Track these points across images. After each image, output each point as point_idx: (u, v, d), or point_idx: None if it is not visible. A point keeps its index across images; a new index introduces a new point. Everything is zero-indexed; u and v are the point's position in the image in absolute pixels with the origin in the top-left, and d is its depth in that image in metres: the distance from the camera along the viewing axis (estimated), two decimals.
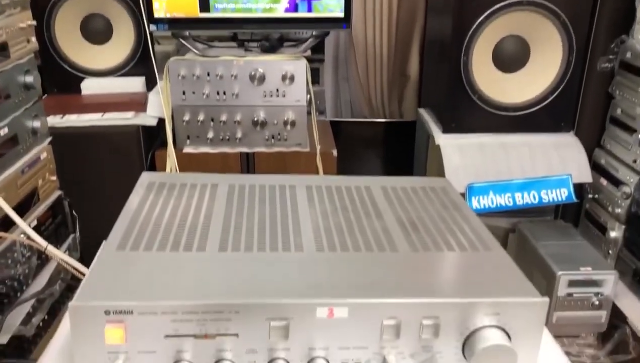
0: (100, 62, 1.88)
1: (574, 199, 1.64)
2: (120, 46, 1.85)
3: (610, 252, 1.64)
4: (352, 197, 0.80)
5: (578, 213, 1.82)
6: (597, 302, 1.52)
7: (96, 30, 1.83)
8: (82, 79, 1.85)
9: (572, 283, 1.51)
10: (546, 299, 0.59)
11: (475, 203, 1.65)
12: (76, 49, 1.83)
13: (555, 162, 1.68)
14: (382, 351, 0.58)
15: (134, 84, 1.89)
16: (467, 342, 0.58)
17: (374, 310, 0.56)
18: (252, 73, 1.74)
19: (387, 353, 0.58)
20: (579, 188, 1.76)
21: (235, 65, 1.74)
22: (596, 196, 1.71)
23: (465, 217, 0.76)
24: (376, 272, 0.62)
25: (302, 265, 0.63)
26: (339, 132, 3.01)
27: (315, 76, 2.92)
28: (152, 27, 1.69)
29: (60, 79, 1.85)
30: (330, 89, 3.14)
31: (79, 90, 1.85)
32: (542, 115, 1.70)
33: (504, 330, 0.58)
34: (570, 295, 1.52)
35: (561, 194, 1.65)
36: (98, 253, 0.63)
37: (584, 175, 1.67)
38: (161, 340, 0.55)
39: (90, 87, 1.87)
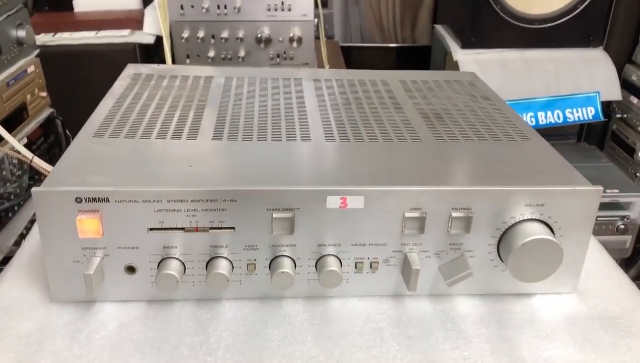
0: None
1: (602, 118, 1.53)
2: None
3: (638, 174, 1.54)
4: (367, 90, 0.70)
5: (603, 135, 1.71)
6: (622, 226, 1.44)
7: None
8: None
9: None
10: (599, 188, 0.49)
11: None
12: None
13: (582, 79, 1.56)
14: (403, 249, 0.49)
15: (130, 0, 1.77)
16: (504, 239, 0.49)
17: (395, 199, 0.47)
18: None
19: (409, 251, 0.49)
20: (606, 108, 1.64)
21: None
22: (625, 115, 1.59)
23: (497, 108, 0.66)
24: (396, 161, 0.53)
25: (310, 154, 0.54)
26: (348, 58, 2.87)
27: None
28: None
29: None
30: (339, 13, 2.98)
31: (71, 7, 1.74)
32: (569, 28, 1.56)
33: (547, 224, 0.49)
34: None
35: (587, 113, 1.54)
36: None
37: (613, 92, 1.55)
38: (144, 234, 0.47)
39: (83, 3, 1.75)
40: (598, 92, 1.54)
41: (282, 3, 1.64)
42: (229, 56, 1.70)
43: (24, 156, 0.99)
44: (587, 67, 1.57)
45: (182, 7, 1.63)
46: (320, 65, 1.72)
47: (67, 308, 0.49)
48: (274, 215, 0.47)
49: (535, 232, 0.48)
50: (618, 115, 1.61)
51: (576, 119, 1.55)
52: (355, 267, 0.50)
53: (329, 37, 2.82)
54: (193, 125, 0.58)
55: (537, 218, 0.49)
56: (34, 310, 0.49)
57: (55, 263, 0.48)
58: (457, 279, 0.49)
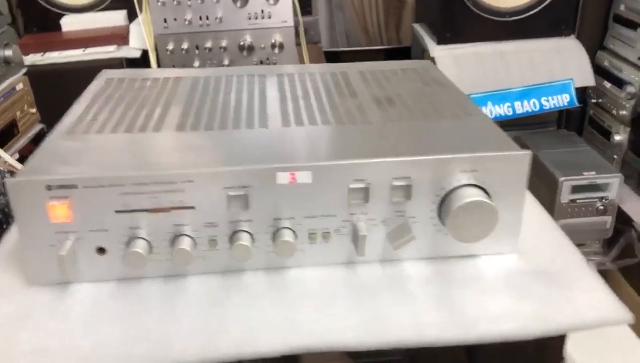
0: None
1: (576, 104, 1.57)
2: None
3: (615, 156, 1.58)
4: (326, 81, 0.75)
5: (581, 121, 1.75)
6: (601, 207, 1.47)
7: None
8: (61, 16, 1.79)
9: (576, 189, 1.45)
10: (528, 152, 0.53)
11: None
12: None
13: (556, 67, 1.60)
14: (351, 218, 0.54)
15: (116, 18, 1.82)
16: (443, 204, 0.53)
17: (339, 172, 0.52)
18: None
19: (357, 221, 0.54)
20: (582, 94, 1.69)
21: None
22: (600, 100, 1.63)
23: (448, 91, 0.71)
24: (345, 140, 0.58)
25: (266, 139, 0.58)
26: (335, 62, 2.92)
27: (307, 5, 2.82)
28: None
29: (39, 18, 1.80)
30: (324, 19, 3.03)
31: (59, 28, 1.79)
32: (541, 18, 1.61)
33: (482, 188, 0.53)
34: (573, 201, 1.47)
35: (562, 100, 1.58)
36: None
37: (586, 78, 1.59)
38: (112, 217, 0.51)
39: (70, 23, 1.80)
40: (572, 79, 1.58)
41: (262, 11, 1.69)
42: (214, 65, 1.75)
43: (16, 169, 1.03)
44: (560, 56, 1.61)
45: (165, 21, 1.68)
46: None
47: (44, 290, 0.53)
48: (229, 193, 0.51)
49: (470, 195, 0.52)
50: (593, 101, 1.65)
51: (552, 106, 1.59)
52: (309, 237, 0.54)
53: (315, 43, 2.87)
54: (159, 119, 0.63)
55: (472, 183, 0.53)
56: (12, 293, 0.53)
57: (31, 248, 0.52)
58: (401, 243, 0.53)
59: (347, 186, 0.52)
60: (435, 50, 1.64)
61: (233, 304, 0.52)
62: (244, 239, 0.52)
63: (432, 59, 1.64)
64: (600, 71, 1.63)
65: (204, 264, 0.54)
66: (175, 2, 1.66)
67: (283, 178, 0.51)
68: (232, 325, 0.49)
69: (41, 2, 1.76)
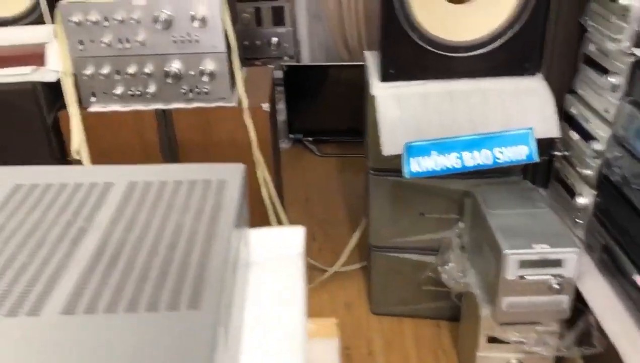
0: (3, 9, 1.64)
1: (535, 159, 1.32)
2: None
3: (579, 221, 1.34)
4: (67, 203, 0.55)
5: (549, 173, 1.51)
6: (556, 286, 1.24)
7: None
8: None
9: (524, 264, 1.23)
10: None
11: (415, 166, 1.36)
12: None
13: (514, 113, 1.36)
14: None
15: (40, 34, 1.65)
16: None
17: None
18: (156, 15, 1.47)
19: None
20: (549, 142, 1.44)
21: (136, 6, 1.47)
22: (566, 153, 1.39)
23: (209, 238, 0.50)
24: None
25: None
26: (311, 79, 2.72)
27: (279, 16, 2.61)
28: None
29: None
30: (305, 30, 2.82)
31: None
32: (500, 55, 1.37)
33: None
34: (522, 277, 1.24)
35: (520, 153, 1.34)
36: None
37: (550, 128, 1.35)
38: None
39: None
40: (531, 129, 1.34)
41: (188, 34, 1.50)
42: (138, 92, 1.57)
43: None
44: (520, 99, 1.37)
45: (81, 43, 1.51)
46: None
47: None
48: None
49: None
50: (559, 153, 1.41)
51: (507, 159, 1.35)
52: None
53: (291, 57, 2.66)
54: None
55: None
56: None
57: None
58: None
59: None
60: (376, 88, 1.42)
61: None
62: None
63: (373, 98, 1.42)
64: (568, 118, 1.38)
65: None
66: (89, 23, 1.48)
67: None
68: None
69: None
